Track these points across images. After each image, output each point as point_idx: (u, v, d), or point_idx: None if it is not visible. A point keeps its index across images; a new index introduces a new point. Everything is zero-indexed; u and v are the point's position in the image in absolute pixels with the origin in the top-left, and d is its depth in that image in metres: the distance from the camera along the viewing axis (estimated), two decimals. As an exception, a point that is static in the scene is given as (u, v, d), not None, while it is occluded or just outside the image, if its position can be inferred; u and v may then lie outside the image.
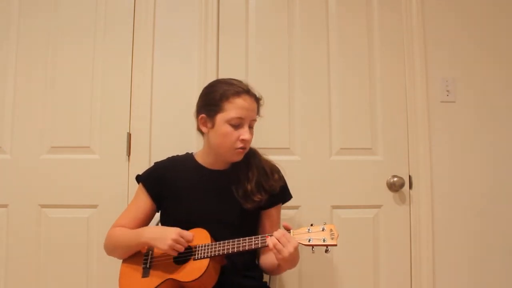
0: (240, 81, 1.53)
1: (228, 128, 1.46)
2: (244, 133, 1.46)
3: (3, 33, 2.00)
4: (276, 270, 1.48)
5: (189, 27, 2.02)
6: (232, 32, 2.03)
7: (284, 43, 2.04)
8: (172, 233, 1.35)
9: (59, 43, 2.00)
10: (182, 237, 1.35)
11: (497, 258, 1.98)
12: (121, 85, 1.98)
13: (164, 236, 1.35)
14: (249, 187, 1.50)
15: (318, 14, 2.06)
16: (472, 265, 1.97)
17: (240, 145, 1.47)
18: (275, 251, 1.28)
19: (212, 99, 1.49)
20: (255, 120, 1.52)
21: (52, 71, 1.99)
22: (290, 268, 1.38)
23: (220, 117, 1.47)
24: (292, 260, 1.30)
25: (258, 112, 1.55)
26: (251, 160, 1.57)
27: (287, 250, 1.27)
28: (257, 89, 1.56)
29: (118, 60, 1.99)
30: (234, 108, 1.46)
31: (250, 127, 1.50)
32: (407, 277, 1.96)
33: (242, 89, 1.49)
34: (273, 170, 1.58)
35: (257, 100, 1.54)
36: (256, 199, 1.49)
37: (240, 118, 1.46)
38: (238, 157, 1.51)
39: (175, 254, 1.37)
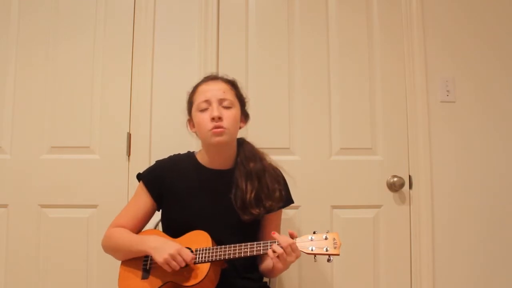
0: (212, 73, 1.58)
1: (200, 115, 1.47)
2: (211, 111, 1.44)
3: (2, 31, 1.99)
4: (271, 272, 1.48)
5: (189, 26, 2.01)
6: (232, 32, 2.03)
7: (284, 44, 2.03)
8: (172, 248, 1.31)
9: (59, 43, 1.99)
10: (180, 255, 1.30)
11: (498, 258, 1.98)
12: (121, 85, 1.98)
13: (162, 249, 1.32)
14: (247, 197, 1.46)
15: (318, 14, 2.05)
16: (472, 265, 1.97)
17: (211, 124, 1.43)
18: (276, 260, 1.28)
19: (188, 99, 1.55)
20: (225, 99, 1.46)
21: (52, 71, 1.98)
22: (283, 271, 1.37)
23: (193, 111, 1.51)
24: (288, 266, 1.32)
25: (236, 95, 1.52)
26: (252, 166, 1.51)
27: (289, 260, 1.28)
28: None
29: (118, 60, 1.99)
30: (198, 95, 1.49)
31: (226, 108, 1.46)
32: (407, 277, 1.96)
33: (206, 78, 1.53)
34: (274, 188, 1.50)
35: (229, 82, 1.53)
36: (254, 212, 1.45)
37: (204, 101, 1.46)
38: (218, 138, 1.43)
39: (169, 270, 1.31)
